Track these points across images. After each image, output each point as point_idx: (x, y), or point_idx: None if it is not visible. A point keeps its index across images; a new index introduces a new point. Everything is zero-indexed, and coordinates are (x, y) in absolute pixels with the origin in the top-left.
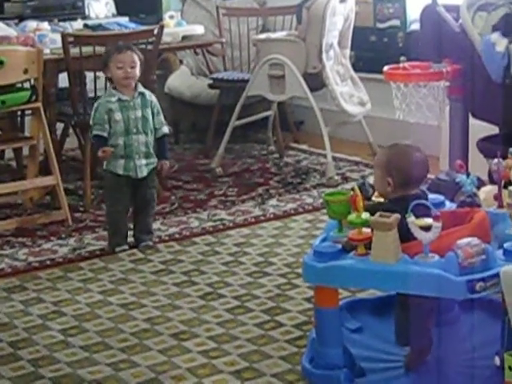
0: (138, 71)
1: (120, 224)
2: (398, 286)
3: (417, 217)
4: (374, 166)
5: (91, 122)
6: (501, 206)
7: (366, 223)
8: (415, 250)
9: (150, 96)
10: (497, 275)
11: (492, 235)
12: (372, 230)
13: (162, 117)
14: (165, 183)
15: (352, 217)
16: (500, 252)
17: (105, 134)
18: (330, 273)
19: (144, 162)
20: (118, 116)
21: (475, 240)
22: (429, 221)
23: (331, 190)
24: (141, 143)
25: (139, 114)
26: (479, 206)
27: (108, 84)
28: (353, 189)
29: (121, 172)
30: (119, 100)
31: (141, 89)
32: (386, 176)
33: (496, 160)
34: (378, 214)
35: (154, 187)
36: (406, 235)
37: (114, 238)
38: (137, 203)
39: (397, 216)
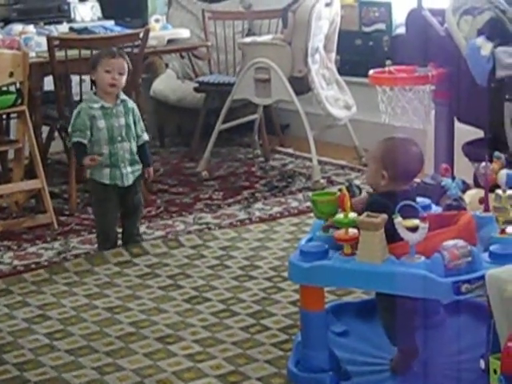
0: (124, 80)
1: (110, 231)
2: (383, 286)
3: (404, 217)
4: (369, 158)
5: (70, 129)
6: (487, 209)
7: (353, 223)
8: (401, 250)
9: (132, 104)
10: (482, 277)
11: (478, 238)
12: (359, 230)
13: (142, 124)
14: (150, 187)
15: (339, 217)
16: (486, 254)
17: (85, 141)
18: (316, 272)
19: (130, 169)
20: (101, 124)
21: (461, 242)
22: (416, 221)
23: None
24: (126, 151)
25: (122, 121)
26: (465, 209)
27: (92, 87)
28: (340, 189)
29: (107, 181)
30: (102, 107)
31: (122, 96)
32: (380, 169)
33: (483, 164)
34: (365, 214)
35: (141, 192)
36: (391, 234)
37: (104, 244)
38: (125, 209)
39: (384, 216)
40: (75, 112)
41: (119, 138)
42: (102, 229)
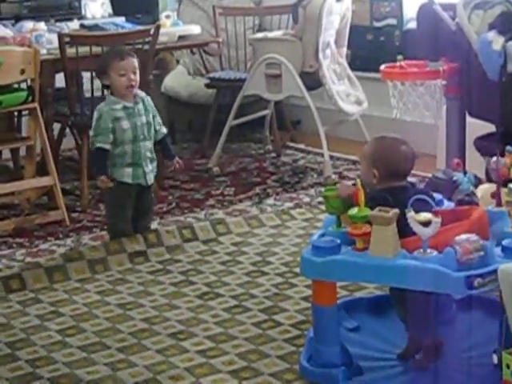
0: (138, 77)
1: (125, 231)
2: (396, 280)
3: (416, 212)
4: (361, 157)
5: (93, 132)
6: (499, 204)
7: (366, 218)
8: (413, 245)
9: (148, 99)
10: (495, 272)
11: (490, 233)
12: (371, 225)
13: (159, 118)
14: (162, 183)
15: (353, 211)
16: (498, 249)
17: (107, 147)
18: (329, 267)
19: (150, 167)
20: (125, 124)
21: (474, 236)
22: (428, 216)
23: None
24: (147, 149)
25: (144, 120)
26: (477, 204)
27: (105, 91)
28: (355, 183)
29: (130, 181)
30: (124, 107)
31: (139, 93)
32: (371, 167)
33: (495, 158)
34: (377, 208)
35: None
36: (401, 229)
37: None
38: (139, 208)
39: (396, 211)
40: (96, 115)
41: (141, 137)
42: (116, 227)
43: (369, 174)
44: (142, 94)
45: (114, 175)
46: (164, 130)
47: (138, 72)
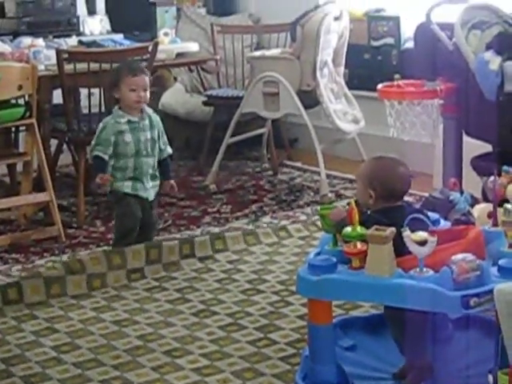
0: (148, 95)
1: (133, 229)
2: (392, 299)
3: (412, 231)
4: (357, 177)
5: (94, 142)
6: (496, 224)
7: (361, 236)
8: (409, 264)
9: (156, 117)
10: (491, 291)
11: (486, 253)
12: (367, 244)
13: (165, 137)
14: (158, 200)
15: (348, 230)
16: (495, 269)
17: (106, 157)
18: (324, 286)
19: (151, 184)
20: (128, 138)
21: (470, 256)
22: (424, 235)
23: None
24: (149, 166)
25: (148, 135)
26: (474, 224)
27: (115, 105)
28: (349, 203)
29: (129, 191)
30: (129, 121)
31: (147, 110)
32: (367, 188)
33: (492, 178)
34: (373, 227)
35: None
36: (397, 248)
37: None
38: (141, 226)
39: (392, 229)
40: (101, 126)
41: (144, 152)
42: (125, 229)
43: (365, 194)
44: (150, 110)
45: (115, 186)
46: (169, 150)
47: (148, 90)
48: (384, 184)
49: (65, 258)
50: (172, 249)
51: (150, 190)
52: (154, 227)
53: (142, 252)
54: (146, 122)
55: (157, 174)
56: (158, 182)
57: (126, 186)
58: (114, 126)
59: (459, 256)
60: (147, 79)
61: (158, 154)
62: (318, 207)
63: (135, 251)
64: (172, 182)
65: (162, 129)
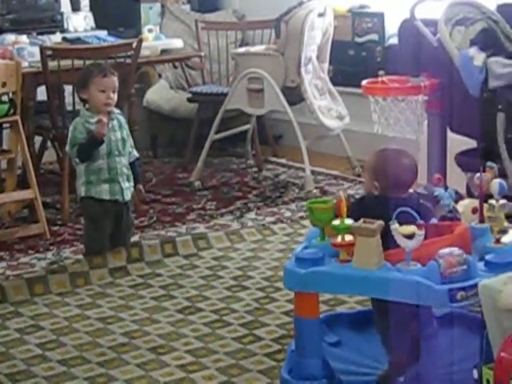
0: (116, 96)
1: (101, 250)
2: (379, 292)
3: (400, 224)
4: (364, 169)
5: (69, 145)
6: (482, 220)
7: (349, 229)
8: (396, 257)
9: (123, 118)
10: (477, 286)
11: (473, 249)
12: (355, 236)
13: (131, 140)
14: (143, 197)
15: (336, 222)
16: (481, 264)
17: None
18: (312, 279)
19: (127, 184)
20: None
21: (457, 250)
22: (412, 228)
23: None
24: (123, 165)
25: (119, 135)
26: (459, 220)
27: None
28: (339, 195)
29: (107, 197)
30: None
31: (115, 110)
32: (372, 179)
33: (478, 174)
34: (361, 220)
35: (132, 211)
36: (385, 239)
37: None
38: (118, 228)
39: (380, 222)
40: (71, 128)
41: (116, 152)
42: (94, 248)
43: (370, 185)
44: (117, 111)
45: (90, 193)
46: (136, 153)
47: (116, 91)
48: (387, 175)
49: (49, 255)
50: (154, 248)
51: (126, 190)
52: (130, 228)
53: (123, 252)
54: (115, 122)
55: (130, 173)
56: (132, 183)
57: (104, 191)
58: (84, 124)
59: (446, 250)
60: (116, 81)
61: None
62: (303, 203)
63: (116, 252)
64: (140, 186)
65: (129, 131)
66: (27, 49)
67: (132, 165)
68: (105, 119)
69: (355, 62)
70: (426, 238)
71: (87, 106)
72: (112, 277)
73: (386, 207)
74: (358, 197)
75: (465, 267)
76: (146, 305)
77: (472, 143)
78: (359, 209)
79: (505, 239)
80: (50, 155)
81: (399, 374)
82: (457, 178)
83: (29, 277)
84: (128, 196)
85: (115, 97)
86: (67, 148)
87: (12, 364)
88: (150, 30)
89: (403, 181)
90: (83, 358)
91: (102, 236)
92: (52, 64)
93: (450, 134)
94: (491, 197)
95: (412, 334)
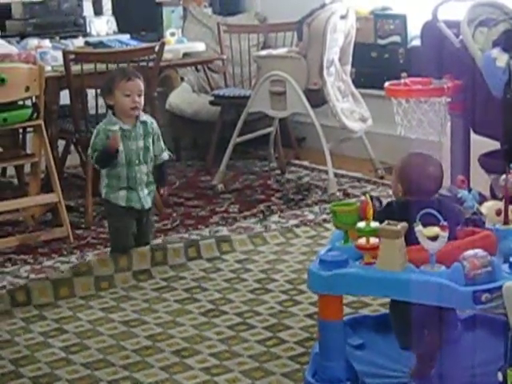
0: (143, 100)
1: (127, 246)
2: (403, 294)
3: (424, 226)
4: (393, 169)
5: (90, 150)
6: (506, 222)
7: (374, 232)
8: (417, 255)
9: (152, 123)
10: (501, 288)
11: (498, 251)
12: (379, 238)
13: (162, 143)
14: (166, 200)
15: (361, 225)
16: (506, 266)
17: None
18: (336, 281)
19: (146, 191)
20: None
21: (481, 252)
22: (436, 230)
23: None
24: (142, 173)
25: (141, 144)
26: (484, 223)
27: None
28: (364, 195)
29: (123, 203)
30: (121, 129)
31: (143, 117)
32: (397, 181)
33: (504, 176)
34: (385, 222)
35: (153, 214)
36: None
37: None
38: (138, 230)
39: (404, 225)
40: (95, 133)
41: (136, 161)
42: (119, 244)
43: (396, 186)
44: (147, 117)
45: (108, 197)
46: (166, 156)
47: (143, 95)
48: (410, 181)
49: (73, 258)
50: (178, 252)
51: (146, 197)
52: (149, 233)
53: (148, 254)
54: (140, 129)
55: (152, 180)
56: (153, 188)
57: (121, 198)
58: (106, 131)
59: (471, 252)
60: (142, 84)
61: (153, 160)
62: (327, 206)
63: (141, 253)
64: (162, 190)
65: (159, 134)
66: (50, 53)
67: (158, 167)
68: (118, 135)
69: (378, 64)
70: (455, 239)
71: (113, 111)
72: (136, 280)
73: (410, 211)
74: (384, 202)
75: (489, 269)
76: (170, 308)
77: (495, 145)
78: (385, 214)
79: None
80: (73, 159)
81: (430, 366)
82: (480, 180)
83: (54, 278)
84: (148, 203)
85: (142, 100)
86: (89, 152)
87: (36, 367)
88: (172, 34)
89: (425, 188)
90: (107, 362)
91: (126, 232)
92: (75, 68)
93: (473, 136)
94: None
95: (433, 330)
